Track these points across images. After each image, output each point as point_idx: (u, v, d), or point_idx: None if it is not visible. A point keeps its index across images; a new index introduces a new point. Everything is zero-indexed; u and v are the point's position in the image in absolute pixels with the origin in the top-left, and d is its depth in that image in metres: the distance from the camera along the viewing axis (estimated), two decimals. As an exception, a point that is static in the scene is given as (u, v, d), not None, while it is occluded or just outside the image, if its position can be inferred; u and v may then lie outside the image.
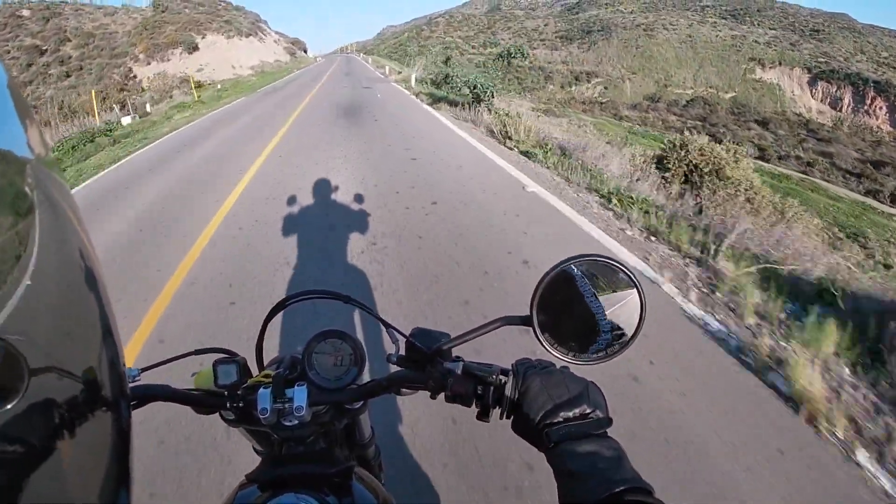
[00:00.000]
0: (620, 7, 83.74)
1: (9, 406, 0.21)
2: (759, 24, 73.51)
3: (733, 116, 49.22)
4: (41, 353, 0.23)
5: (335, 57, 70.90)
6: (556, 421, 0.48)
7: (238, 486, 0.64)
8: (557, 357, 0.56)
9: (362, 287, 2.92)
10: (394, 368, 0.64)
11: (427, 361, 0.60)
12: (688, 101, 54.59)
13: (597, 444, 0.45)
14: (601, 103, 48.99)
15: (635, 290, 0.54)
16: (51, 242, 0.27)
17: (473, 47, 77.85)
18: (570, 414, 0.48)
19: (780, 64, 62.81)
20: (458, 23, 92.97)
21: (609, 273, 0.56)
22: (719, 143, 6.94)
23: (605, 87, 57.18)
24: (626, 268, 0.54)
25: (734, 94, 59.05)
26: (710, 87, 59.95)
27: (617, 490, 0.40)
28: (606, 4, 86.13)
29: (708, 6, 79.88)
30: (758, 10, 78.71)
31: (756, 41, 67.98)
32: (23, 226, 0.24)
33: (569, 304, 0.56)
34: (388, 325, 0.66)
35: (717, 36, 69.78)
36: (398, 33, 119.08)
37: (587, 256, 0.55)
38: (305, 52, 61.15)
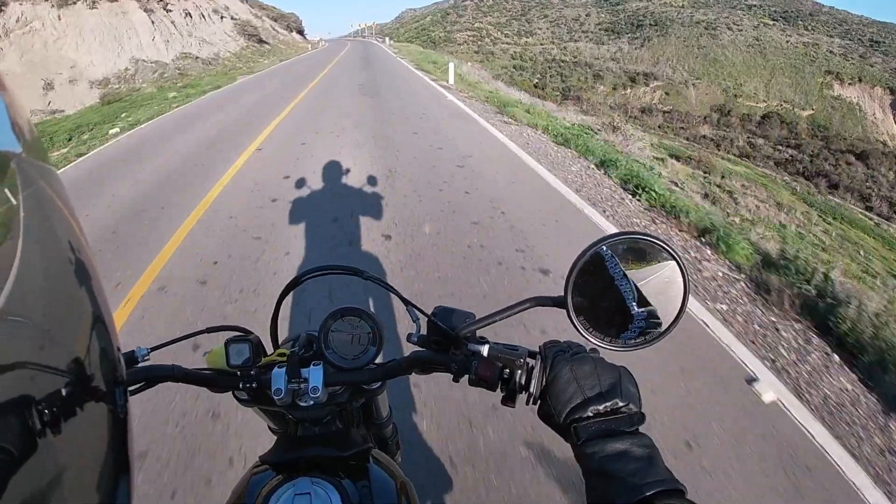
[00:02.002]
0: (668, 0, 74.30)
1: None
2: (813, 30, 64.31)
3: (821, 142, 40.69)
4: (27, 345, 0.23)
5: (346, 41, 49.42)
6: (585, 415, 0.45)
7: (252, 467, 0.62)
8: (592, 342, 0.52)
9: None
10: (412, 347, 0.61)
11: (450, 343, 0.57)
12: (762, 117, 46.03)
13: (628, 442, 0.42)
14: (664, 112, 40.70)
15: (674, 262, 0.50)
16: (36, 233, 0.26)
17: (507, 35, 69.03)
18: (601, 408, 0.45)
19: (859, 81, 53.85)
20: (489, 7, 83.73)
21: (647, 250, 0.51)
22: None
23: (667, 93, 48.66)
24: (666, 243, 0.50)
25: (811, 111, 50.34)
26: (785, 102, 51.15)
27: (649, 493, 0.38)
28: (650, -3, 76.64)
29: (755, 5, 70.55)
30: (809, 14, 69.45)
31: (830, 51, 58.91)
32: (6, 218, 0.23)
33: (604, 286, 0.51)
34: (408, 303, 0.62)
35: (787, 42, 60.66)
36: (419, 17, 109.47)
37: (623, 235, 0.51)
38: (301, 33, 44.20)
